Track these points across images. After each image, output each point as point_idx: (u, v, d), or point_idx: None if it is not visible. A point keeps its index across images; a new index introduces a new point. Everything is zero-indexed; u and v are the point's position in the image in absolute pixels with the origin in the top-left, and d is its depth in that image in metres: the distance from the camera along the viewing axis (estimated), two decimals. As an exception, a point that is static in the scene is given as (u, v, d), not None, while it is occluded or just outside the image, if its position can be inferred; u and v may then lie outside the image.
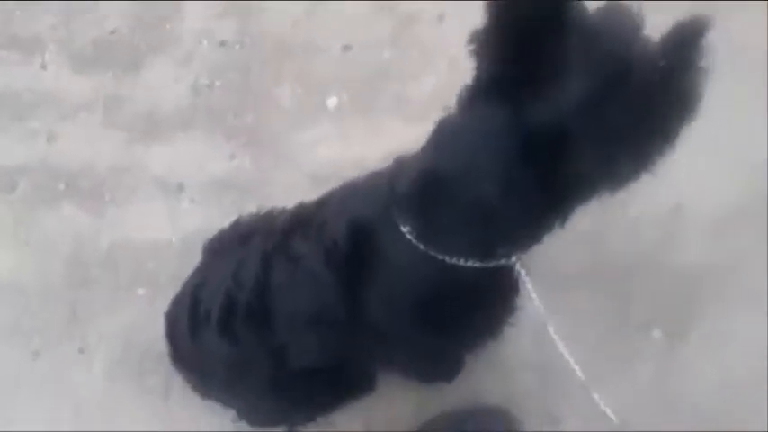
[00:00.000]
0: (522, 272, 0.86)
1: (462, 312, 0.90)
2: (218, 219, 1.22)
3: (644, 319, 1.28)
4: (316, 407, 1.17)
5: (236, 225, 1.11)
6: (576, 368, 0.89)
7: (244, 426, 1.21)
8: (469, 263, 0.83)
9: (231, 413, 1.20)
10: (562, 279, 1.31)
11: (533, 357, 1.25)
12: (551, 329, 0.89)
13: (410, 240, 0.83)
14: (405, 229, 0.83)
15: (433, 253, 0.82)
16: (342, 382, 1.10)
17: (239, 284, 0.97)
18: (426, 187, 0.81)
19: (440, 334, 0.94)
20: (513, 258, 0.85)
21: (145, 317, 1.34)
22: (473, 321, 0.94)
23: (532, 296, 0.88)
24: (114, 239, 1.48)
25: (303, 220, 0.96)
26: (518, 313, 1.00)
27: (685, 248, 1.33)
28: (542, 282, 1.28)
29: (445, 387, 1.26)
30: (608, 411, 0.89)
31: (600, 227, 1.36)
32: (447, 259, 0.82)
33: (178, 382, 1.25)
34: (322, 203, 0.97)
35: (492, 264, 0.84)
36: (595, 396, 0.90)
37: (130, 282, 1.43)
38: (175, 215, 1.48)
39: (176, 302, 1.10)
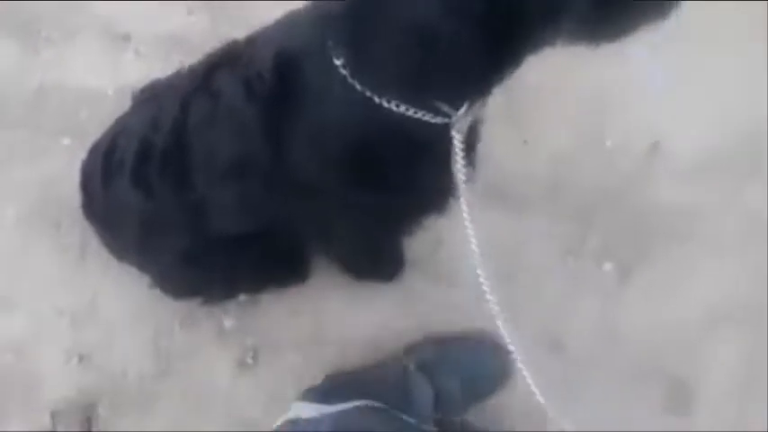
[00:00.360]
0: (456, 137, 0.74)
1: (399, 172, 0.80)
2: (162, 75, 1.09)
3: (599, 250, 1.21)
4: (237, 284, 1.08)
5: (172, 75, 0.98)
6: (487, 288, 0.79)
7: (158, 293, 1.12)
8: (409, 112, 0.72)
9: (147, 279, 1.11)
10: (522, 198, 1.23)
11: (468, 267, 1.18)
12: (473, 241, 0.79)
13: (344, 77, 0.71)
14: (338, 62, 0.71)
15: (368, 93, 0.71)
16: (268, 261, 1.01)
17: (156, 128, 0.86)
18: (361, 7, 0.68)
19: (372, 192, 0.82)
20: (453, 118, 0.74)
21: (67, 169, 1.20)
22: (411, 184, 0.83)
23: (459, 171, 0.76)
24: (45, 80, 1.33)
25: (231, 56, 0.83)
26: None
27: (656, 187, 1.26)
28: (500, 198, 1.23)
29: (379, 290, 1.19)
30: (501, 326, 0.80)
31: (572, 152, 1.28)
32: (384, 103, 0.71)
33: (96, 243, 1.15)
34: (254, 38, 0.84)
35: (431, 117, 0.74)
36: (493, 304, 0.80)
37: (57, 129, 1.29)
38: (116, 65, 1.33)
39: (93, 149, 0.98)
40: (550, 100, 1.29)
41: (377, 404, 0.97)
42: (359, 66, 0.71)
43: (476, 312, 1.18)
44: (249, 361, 1.18)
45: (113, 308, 1.21)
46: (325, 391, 1.04)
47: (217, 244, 0.92)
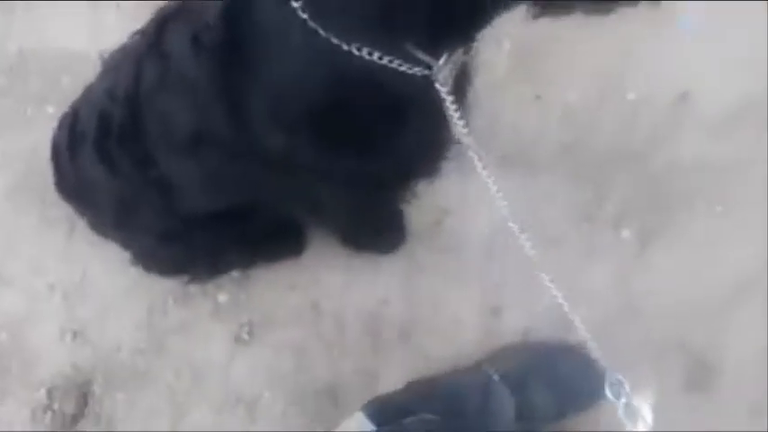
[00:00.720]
0: (443, 90, 0.65)
1: (378, 132, 0.71)
2: (143, 34, 1.01)
3: (617, 215, 1.11)
4: (222, 262, 1.02)
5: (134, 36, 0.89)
6: (525, 241, 0.72)
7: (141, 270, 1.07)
8: (383, 61, 0.63)
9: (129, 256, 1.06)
10: (533, 159, 1.14)
11: (476, 238, 1.11)
12: (493, 188, 0.70)
13: (304, 21, 0.61)
14: (296, 4, 0.61)
15: (334, 40, 0.62)
16: (255, 237, 0.94)
17: (113, 98, 0.78)
18: None
19: (349, 158, 0.73)
20: (434, 68, 0.65)
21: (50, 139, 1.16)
22: (394, 145, 0.73)
23: (457, 125, 0.67)
24: (25, 45, 1.26)
25: (182, 8, 0.74)
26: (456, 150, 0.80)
27: (683, 142, 1.14)
28: (509, 160, 1.14)
29: (380, 262, 1.12)
30: (553, 289, 0.73)
31: (590, 107, 1.17)
32: (354, 51, 0.62)
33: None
34: None
35: (408, 68, 0.64)
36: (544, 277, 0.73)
37: (40, 97, 1.23)
38: (97, 25, 1.25)
39: (62, 121, 0.92)
40: (565, 49, 1.16)
41: (428, 417, 0.94)
42: (318, 6, 0.61)
43: (483, 285, 1.13)
44: (245, 337, 1.13)
45: (105, 283, 1.17)
46: (384, 410, 1.00)
47: (195, 222, 0.85)
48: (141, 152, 0.77)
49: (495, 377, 1.01)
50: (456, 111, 0.67)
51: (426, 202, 1.10)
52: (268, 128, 0.70)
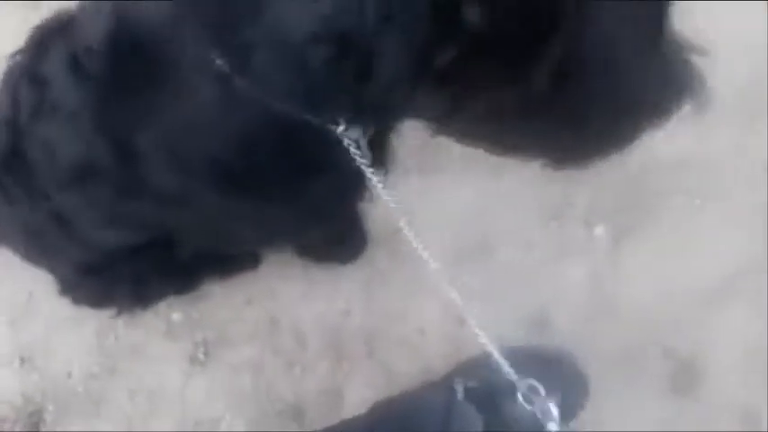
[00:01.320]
0: (354, 152, 0.60)
1: (290, 177, 0.64)
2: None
3: (588, 212, 1.05)
4: (154, 293, 0.93)
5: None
6: (429, 258, 0.69)
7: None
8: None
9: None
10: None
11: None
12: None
13: (219, 66, 0.53)
14: (219, 61, 0.53)
15: (255, 93, 0.54)
16: (190, 261, 0.86)
17: None
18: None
19: (254, 200, 0.66)
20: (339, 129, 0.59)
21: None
22: (300, 193, 0.66)
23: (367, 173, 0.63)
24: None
25: (69, 25, 0.63)
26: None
27: (655, 136, 1.07)
28: (472, 159, 1.07)
29: (340, 273, 1.06)
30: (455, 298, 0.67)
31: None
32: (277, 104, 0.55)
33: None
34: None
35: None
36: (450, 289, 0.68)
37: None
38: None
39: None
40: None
41: None
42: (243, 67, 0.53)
43: (451, 294, 1.06)
44: (201, 357, 1.07)
45: (53, 305, 1.10)
46: None
47: (115, 253, 0.77)
48: (31, 182, 0.70)
49: (460, 394, 0.93)
50: (369, 169, 0.63)
51: (387, 206, 1.04)
52: (161, 168, 0.62)
